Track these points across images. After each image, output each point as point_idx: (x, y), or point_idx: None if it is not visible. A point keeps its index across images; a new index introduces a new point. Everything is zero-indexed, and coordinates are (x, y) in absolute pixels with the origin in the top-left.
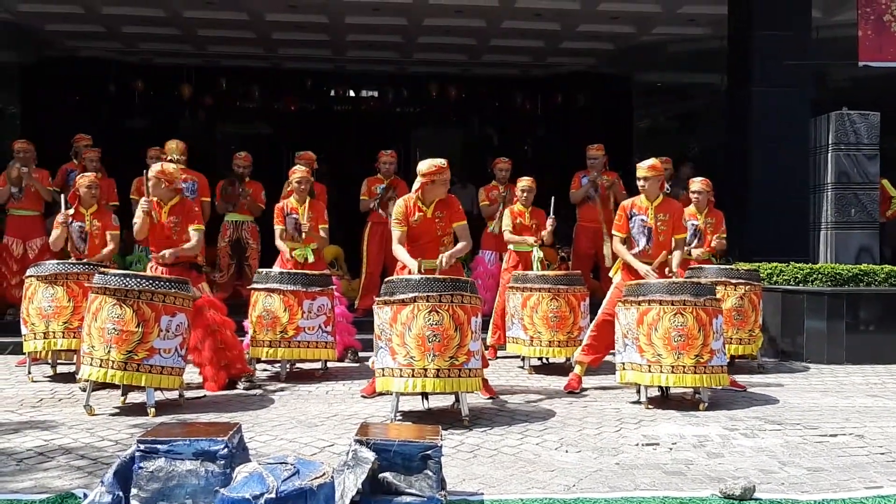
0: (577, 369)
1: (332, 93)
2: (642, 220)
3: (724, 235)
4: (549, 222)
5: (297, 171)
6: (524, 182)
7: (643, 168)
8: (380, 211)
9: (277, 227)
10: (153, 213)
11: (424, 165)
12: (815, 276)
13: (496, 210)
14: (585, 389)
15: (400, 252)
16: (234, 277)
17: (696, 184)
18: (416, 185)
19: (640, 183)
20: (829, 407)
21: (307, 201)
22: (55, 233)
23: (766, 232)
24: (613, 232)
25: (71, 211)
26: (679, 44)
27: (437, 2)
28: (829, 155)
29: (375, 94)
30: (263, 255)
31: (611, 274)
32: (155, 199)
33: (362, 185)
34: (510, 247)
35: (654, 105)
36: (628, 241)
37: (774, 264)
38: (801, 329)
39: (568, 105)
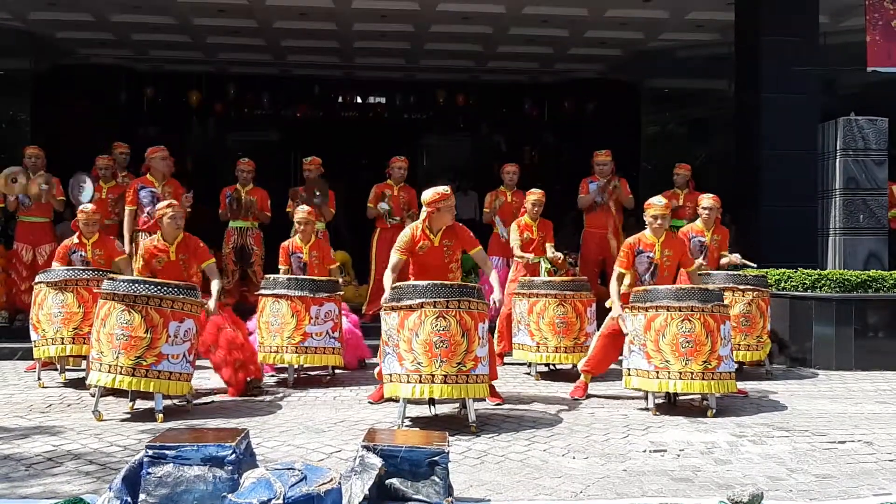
0: (584, 377)
1: (340, 99)
2: (649, 256)
3: (725, 254)
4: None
5: (300, 212)
6: (534, 196)
7: (659, 206)
8: (388, 221)
9: (281, 269)
10: (158, 259)
11: (428, 195)
12: (823, 282)
13: (489, 218)
14: (590, 396)
15: (387, 279)
16: (238, 283)
17: (707, 200)
18: (422, 214)
19: (651, 220)
20: (837, 413)
21: (311, 240)
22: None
23: (775, 238)
24: (616, 267)
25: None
26: (687, 50)
27: (445, 8)
28: (838, 161)
29: (383, 100)
30: (267, 261)
31: (606, 304)
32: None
33: (371, 191)
34: (517, 255)
35: (662, 111)
36: (630, 277)
37: (782, 270)
38: (809, 335)
39: (576, 111)
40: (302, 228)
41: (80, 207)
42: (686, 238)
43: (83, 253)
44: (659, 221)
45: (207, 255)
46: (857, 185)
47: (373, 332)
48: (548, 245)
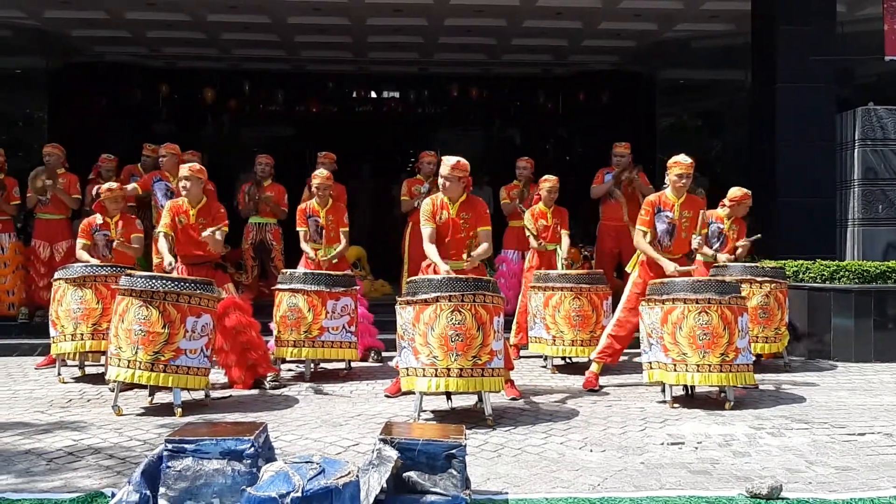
0: (595, 367)
1: (354, 94)
2: (668, 216)
3: (743, 242)
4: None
5: (318, 176)
6: (549, 182)
7: (685, 164)
8: None
9: (301, 230)
10: (180, 217)
11: (443, 167)
12: (841, 273)
13: (514, 208)
14: (604, 387)
15: (431, 252)
16: (257, 279)
17: (736, 192)
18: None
19: (676, 179)
20: (857, 405)
21: (329, 204)
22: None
23: (793, 229)
24: (638, 226)
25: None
26: (702, 40)
27: (458, 2)
28: (856, 151)
29: (397, 95)
30: (287, 255)
31: (627, 268)
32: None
33: (402, 186)
34: (533, 245)
35: (678, 103)
36: (651, 236)
37: (800, 262)
38: (828, 327)
39: (590, 104)
40: (320, 193)
41: (103, 186)
42: (705, 221)
43: (107, 232)
44: (684, 180)
45: (222, 219)
46: (875, 176)
47: (389, 325)
48: (563, 233)
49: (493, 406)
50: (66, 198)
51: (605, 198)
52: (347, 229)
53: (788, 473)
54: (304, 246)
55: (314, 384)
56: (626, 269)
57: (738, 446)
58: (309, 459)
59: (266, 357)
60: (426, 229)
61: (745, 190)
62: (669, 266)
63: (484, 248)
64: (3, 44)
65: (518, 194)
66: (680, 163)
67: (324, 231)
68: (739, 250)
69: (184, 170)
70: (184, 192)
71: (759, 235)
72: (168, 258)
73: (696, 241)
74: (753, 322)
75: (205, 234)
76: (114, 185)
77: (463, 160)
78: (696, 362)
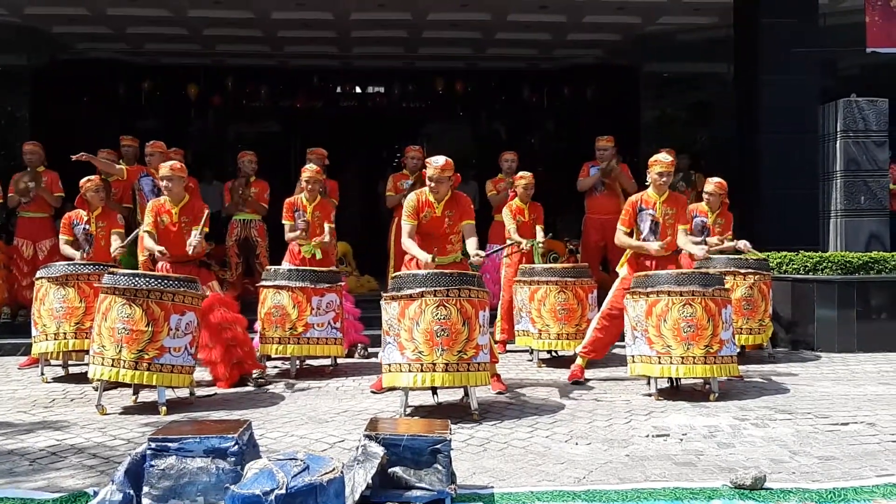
0: (580, 360)
1: (339, 89)
2: (651, 214)
3: (730, 237)
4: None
5: (307, 170)
6: (524, 179)
7: (665, 163)
8: None
9: (286, 223)
10: (162, 217)
11: (430, 170)
12: (825, 264)
13: (503, 199)
14: (589, 380)
15: (410, 245)
16: (242, 276)
17: (710, 185)
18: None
19: (657, 177)
20: (840, 395)
21: (317, 200)
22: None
23: (776, 221)
24: (619, 226)
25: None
26: (686, 33)
27: None
28: (838, 142)
29: (382, 90)
30: (272, 252)
31: (617, 268)
32: (166, 200)
33: (387, 181)
34: (510, 239)
35: (662, 96)
36: (634, 235)
37: (784, 253)
38: (811, 318)
39: (575, 97)
40: (309, 188)
41: (85, 178)
42: (689, 216)
43: (86, 226)
44: (664, 178)
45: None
46: (858, 167)
47: (374, 321)
48: (538, 228)
49: (479, 400)
50: (49, 197)
51: (591, 191)
52: (333, 225)
53: (772, 464)
54: (288, 237)
55: (299, 381)
56: (617, 269)
57: (723, 437)
58: (293, 456)
59: (252, 354)
60: (406, 225)
61: (718, 180)
62: (653, 245)
63: (474, 241)
64: None
65: (504, 187)
66: (660, 161)
67: (309, 226)
68: (729, 244)
69: (164, 169)
70: (165, 191)
71: (758, 255)
72: (158, 248)
73: (689, 244)
74: (737, 314)
75: (190, 243)
76: (93, 176)
77: (449, 159)
78: (680, 354)
